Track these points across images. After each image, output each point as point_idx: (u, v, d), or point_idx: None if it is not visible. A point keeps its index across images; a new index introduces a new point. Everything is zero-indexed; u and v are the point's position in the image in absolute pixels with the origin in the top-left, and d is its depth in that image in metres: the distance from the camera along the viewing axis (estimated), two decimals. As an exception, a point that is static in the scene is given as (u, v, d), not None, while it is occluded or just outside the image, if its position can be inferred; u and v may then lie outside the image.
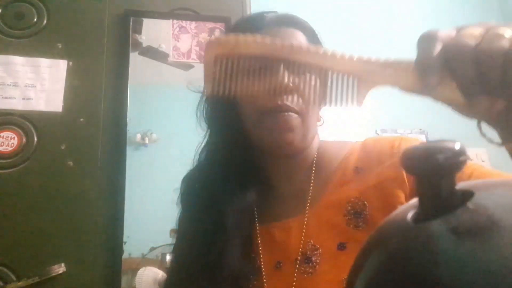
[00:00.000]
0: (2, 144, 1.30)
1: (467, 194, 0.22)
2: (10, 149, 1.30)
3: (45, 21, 1.44)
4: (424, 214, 0.22)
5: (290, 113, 0.60)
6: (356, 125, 1.86)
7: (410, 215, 0.23)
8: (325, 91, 0.38)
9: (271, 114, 0.60)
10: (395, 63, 0.36)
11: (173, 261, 0.69)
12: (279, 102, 0.59)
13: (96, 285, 1.25)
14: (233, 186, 0.64)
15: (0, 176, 1.28)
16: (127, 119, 1.40)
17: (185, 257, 0.64)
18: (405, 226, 0.23)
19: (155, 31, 1.55)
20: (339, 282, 0.54)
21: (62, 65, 1.40)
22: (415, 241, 0.21)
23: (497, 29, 0.31)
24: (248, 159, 0.67)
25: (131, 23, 1.50)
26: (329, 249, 0.59)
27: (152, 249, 1.36)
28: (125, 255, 1.31)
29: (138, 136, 1.48)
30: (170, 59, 1.53)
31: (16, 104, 1.34)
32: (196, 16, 1.58)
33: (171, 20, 1.55)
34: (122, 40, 1.48)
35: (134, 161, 1.39)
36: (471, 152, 1.88)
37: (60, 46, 1.42)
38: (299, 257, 0.60)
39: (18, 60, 1.38)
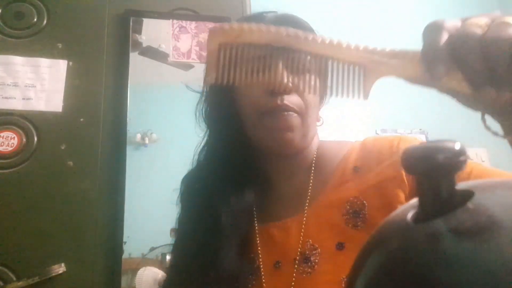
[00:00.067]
0: (2, 144, 1.30)
1: (467, 194, 0.22)
2: (10, 149, 1.30)
3: (45, 21, 1.44)
4: (424, 214, 0.22)
5: (290, 112, 0.60)
6: (356, 125, 1.86)
7: (410, 215, 0.23)
8: (330, 81, 0.37)
9: (271, 114, 0.60)
10: (401, 53, 0.35)
11: (172, 261, 0.69)
12: (279, 102, 0.59)
13: (96, 285, 1.25)
14: (232, 186, 0.64)
15: (0, 176, 1.28)
16: (127, 119, 1.40)
17: (184, 257, 0.64)
18: (405, 226, 0.23)
19: (155, 31, 1.55)
20: (337, 282, 0.54)
21: (62, 65, 1.40)
22: (415, 241, 0.21)
23: (503, 18, 0.31)
24: (248, 159, 0.67)
25: (131, 23, 1.50)
26: (327, 248, 0.59)
27: (152, 249, 1.36)
28: (125, 255, 1.31)
29: (138, 136, 1.48)
30: (170, 59, 1.53)
31: (16, 104, 1.34)
32: (196, 16, 1.58)
33: (171, 20, 1.55)
34: (122, 40, 1.48)
35: (134, 161, 1.39)
36: (471, 152, 1.88)
37: (60, 46, 1.42)
38: (298, 257, 0.60)
39: (18, 60, 1.38)
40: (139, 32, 1.52)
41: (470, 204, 0.21)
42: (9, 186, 1.27)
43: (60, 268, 1.22)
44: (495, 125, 0.36)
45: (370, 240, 0.26)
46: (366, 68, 0.36)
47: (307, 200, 0.64)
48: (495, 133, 0.35)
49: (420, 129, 1.97)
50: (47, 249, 1.24)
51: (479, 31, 0.31)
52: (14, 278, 1.20)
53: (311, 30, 0.68)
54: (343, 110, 1.76)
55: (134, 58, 1.49)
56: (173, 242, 0.71)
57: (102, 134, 1.38)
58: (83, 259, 1.26)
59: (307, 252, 0.59)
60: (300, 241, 0.61)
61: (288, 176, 0.67)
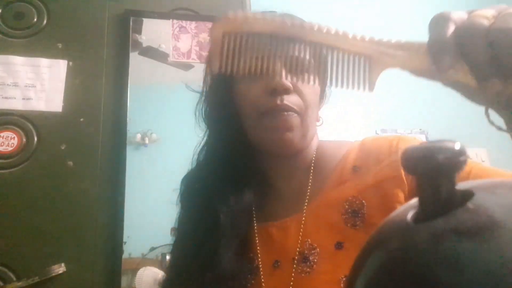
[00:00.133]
0: (2, 144, 1.30)
1: (467, 194, 0.22)
2: (10, 149, 1.31)
3: (45, 21, 1.44)
4: (424, 214, 0.22)
5: (290, 112, 0.60)
6: (356, 125, 1.86)
7: (410, 215, 0.23)
8: (335, 72, 0.37)
9: (271, 114, 0.60)
10: (407, 44, 0.35)
11: (171, 260, 0.69)
12: (278, 102, 0.59)
13: (96, 285, 1.25)
14: (231, 185, 0.64)
15: (0, 176, 1.28)
16: (127, 119, 1.40)
17: (184, 257, 0.64)
18: (405, 226, 0.23)
19: (155, 31, 1.55)
20: (336, 282, 0.54)
21: (62, 65, 1.40)
22: (415, 241, 0.21)
23: (509, 10, 0.31)
24: (247, 158, 0.67)
25: (131, 23, 1.50)
26: (326, 248, 0.59)
27: (152, 249, 1.36)
28: (125, 255, 1.31)
29: (138, 136, 1.48)
30: (170, 59, 1.53)
31: (16, 104, 1.34)
32: (196, 16, 1.58)
33: (171, 20, 1.55)
34: (122, 40, 1.48)
35: (134, 161, 1.39)
36: (471, 152, 1.88)
37: (60, 46, 1.42)
38: (296, 257, 0.60)
39: (18, 60, 1.38)
40: (139, 32, 1.52)
41: (470, 204, 0.21)
42: (9, 186, 1.27)
43: (60, 268, 1.22)
44: (499, 120, 0.36)
45: (370, 240, 0.26)
46: (372, 59, 0.36)
47: (306, 200, 0.64)
48: (499, 128, 0.35)
49: (420, 129, 1.96)
50: (47, 249, 1.24)
51: (485, 22, 0.31)
52: (14, 278, 1.20)
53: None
54: (343, 110, 1.76)
55: (134, 58, 1.49)
56: (172, 241, 0.71)
57: (102, 134, 1.38)
58: (83, 259, 1.26)
59: (306, 252, 0.59)
60: (299, 241, 0.61)
61: (287, 176, 0.67)
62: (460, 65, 0.32)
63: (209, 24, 1.56)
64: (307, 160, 0.68)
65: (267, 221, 0.65)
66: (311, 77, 0.39)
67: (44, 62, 1.39)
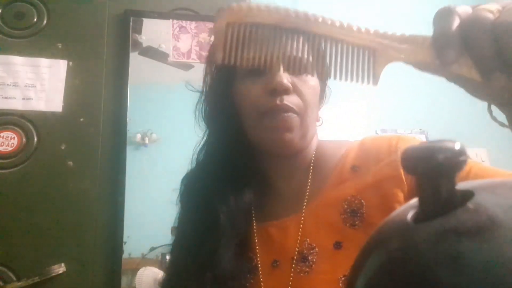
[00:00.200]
0: (2, 144, 1.30)
1: (467, 194, 0.22)
2: (10, 149, 1.31)
3: (45, 21, 1.44)
4: (424, 214, 0.22)
5: (289, 113, 0.60)
6: (356, 125, 1.86)
7: (410, 215, 0.23)
8: (340, 65, 0.37)
9: (270, 114, 0.60)
10: (411, 37, 0.35)
11: (170, 260, 0.69)
12: (278, 102, 0.59)
13: (96, 285, 1.26)
14: (231, 185, 0.64)
15: (0, 176, 1.28)
16: (127, 119, 1.40)
17: (183, 256, 0.64)
18: (405, 226, 0.23)
19: (155, 31, 1.55)
20: (335, 281, 0.55)
21: (62, 65, 1.40)
22: (415, 241, 0.21)
23: None
24: (246, 158, 0.67)
25: (131, 23, 1.50)
26: (325, 248, 0.59)
27: (152, 249, 1.36)
28: (125, 255, 1.31)
29: (138, 136, 1.48)
30: (170, 59, 1.53)
31: (16, 104, 1.34)
32: (196, 16, 1.58)
33: (171, 20, 1.55)
34: (122, 40, 1.48)
35: (134, 161, 1.39)
36: (471, 152, 1.88)
37: (60, 46, 1.42)
38: (295, 256, 0.60)
39: (18, 60, 1.38)
40: (139, 32, 1.52)
41: (470, 204, 0.21)
42: (9, 186, 1.27)
43: (60, 268, 1.22)
44: (501, 117, 0.36)
45: (370, 240, 0.26)
46: (376, 52, 0.36)
47: (305, 200, 0.64)
48: (502, 124, 0.35)
49: (420, 129, 1.96)
50: (47, 249, 1.24)
51: (490, 16, 0.31)
52: (14, 278, 1.20)
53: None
54: (343, 110, 1.76)
55: (134, 58, 1.49)
56: (172, 241, 0.71)
57: (102, 134, 1.38)
58: (83, 259, 1.26)
59: (305, 251, 0.59)
60: (298, 240, 0.61)
61: (287, 176, 0.67)
62: (464, 60, 0.32)
63: (209, 24, 1.56)
64: (307, 160, 0.68)
65: (266, 221, 0.65)
66: (311, 71, 0.38)
67: (44, 62, 1.39)
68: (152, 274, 1.31)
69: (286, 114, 0.60)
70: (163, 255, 1.34)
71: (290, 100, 0.60)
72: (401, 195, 0.58)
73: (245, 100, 0.63)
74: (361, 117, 1.89)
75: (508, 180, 0.24)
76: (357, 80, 0.36)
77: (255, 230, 0.65)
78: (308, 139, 0.65)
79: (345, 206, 0.60)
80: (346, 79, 0.36)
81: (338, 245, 0.58)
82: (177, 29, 1.55)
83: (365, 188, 0.60)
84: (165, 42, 1.54)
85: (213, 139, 0.70)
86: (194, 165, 0.71)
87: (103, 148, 1.37)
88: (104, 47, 1.46)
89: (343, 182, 0.63)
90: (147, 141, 1.48)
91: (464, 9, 0.32)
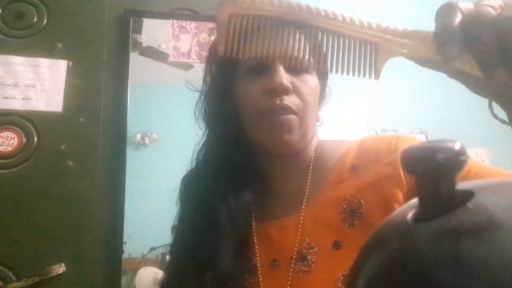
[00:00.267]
0: (2, 144, 1.30)
1: (467, 194, 0.22)
2: (10, 149, 1.31)
3: (45, 21, 1.44)
4: (424, 214, 0.22)
5: (289, 115, 0.60)
6: (356, 125, 1.85)
7: (410, 215, 0.23)
8: (342, 58, 0.36)
9: (270, 115, 0.60)
10: (413, 33, 0.35)
11: (170, 260, 0.69)
12: (278, 102, 0.59)
13: (96, 285, 1.26)
14: (231, 185, 0.64)
15: (0, 176, 1.28)
16: (127, 119, 1.40)
17: (182, 256, 0.64)
18: (405, 226, 0.23)
19: (155, 31, 1.55)
20: (334, 281, 0.55)
21: (62, 65, 1.40)
22: (415, 241, 0.21)
23: None
24: (246, 158, 0.67)
25: (131, 23, 1.50)
26: (324, 247, 0.59)
27: (152, 249, 1.36)
28: (125, 255, 1.31)
29: (138, 136, 1.48)
30: (170, 59, 1.53)
31: (16, 104, 1.34)
32: (196, 16, 1.58)
33: (171, 20, 1.55)
34: (122, 40, 1.48)
35: (134, 161, 1.39)
36: (471, 152, 1.88)
37: (60, 46, 1.42)
38: (294, 256, 0.60)
39: (18, 60, 1.38)
40: (139, 32, 1.52)
41: (470, 204, 0.21)
42: (9, 186, 1.27)
43: (60, 268, 1.22)
44: (502, 114, 0.36)
45: (370, 240, 0.26)
46: (378, 46, 0.36)
47: (305, 199, 0.64)
48: (503, 121, 0.35)
49: (420, 129, 1.96)
50: (47, 249, 1.24)
51: (493, 12, 0.31)
52: (14, 278, 1.20)
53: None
54: (343, 110, 1.76)
55: (134, 58, 1.49)
56: (172, 241, 0.71)
57: (102, 134, 1.38)
58: (83, 259, 1.26)
59: (304, 251, 0.59)
60: (297, 240, 0.61)
61: (287, 176, 0.67)
62: (465, 56, 0.32)
63: (209, 24, 1.56)
64: (306, 160, 0.68)
65: (265, 221, 0.65)
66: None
67: (44, 62, 1.39)
68: (152, 274, 1.31)
69: (285, 116, 0.60)
70: (163, 255, 1.34)
71: (290, 100, 0.60)
72: (400, 195, 0.58)
73: (244, 100, 0.63)
74: (361, 117, 1.88)
75: (508, 180, 0.24)
76: (359, 74, 0.36)
77: (254, 230, 0.65)
78: (307, 139, 0.65)
79: (344, 205, 0.60)
80: (348, 73, 0.36)
81: (337, 245, 0.58)
82: (177, 29, 1.55)
83: (365, 188, 0.60)
84: (165, 42, 1.54)
85: (213, 139, 0.70)
86: (194, 165, 0.71)
87: (103, 148, 1.37)
88: (104, 47, 1.45)
89: (343, 182, 0.63)
90: (147, 141, 1.48)
91: (466, 5, 0.32)
